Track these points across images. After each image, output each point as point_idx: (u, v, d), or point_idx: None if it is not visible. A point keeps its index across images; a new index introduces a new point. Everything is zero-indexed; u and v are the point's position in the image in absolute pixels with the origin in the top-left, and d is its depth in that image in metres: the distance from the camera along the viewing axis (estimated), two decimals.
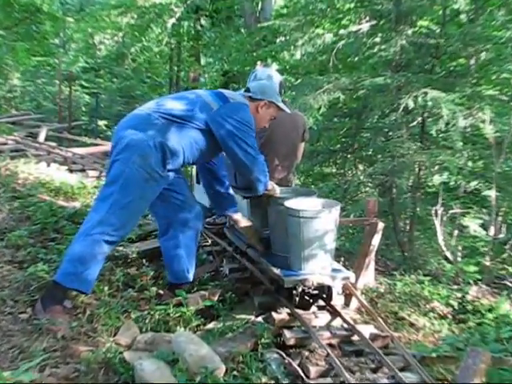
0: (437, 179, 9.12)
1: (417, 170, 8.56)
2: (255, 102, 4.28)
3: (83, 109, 24.32)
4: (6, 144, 13.86)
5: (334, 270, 4.34)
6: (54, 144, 15.83)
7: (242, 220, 4.69)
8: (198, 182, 6.24)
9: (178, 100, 4.09)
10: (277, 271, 4.23)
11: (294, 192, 4.74)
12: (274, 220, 4.53)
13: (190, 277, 4.55)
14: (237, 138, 3.99)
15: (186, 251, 4.43)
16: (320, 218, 4.13)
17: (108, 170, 3.94)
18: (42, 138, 16.01)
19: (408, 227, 9.53)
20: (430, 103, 7.23)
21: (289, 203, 4.30)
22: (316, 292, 4.38)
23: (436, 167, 8.05)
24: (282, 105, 4.35)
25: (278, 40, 15.13)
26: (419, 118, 8.49)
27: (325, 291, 4.43)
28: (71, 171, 11.81)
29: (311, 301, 4.44)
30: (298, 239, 4.18)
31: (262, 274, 4.73)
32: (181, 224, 4.39)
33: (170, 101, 4.09)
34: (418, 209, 8.82)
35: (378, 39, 9.14)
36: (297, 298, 4.27)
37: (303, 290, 4.29)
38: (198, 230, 4.52)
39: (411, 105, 7.28)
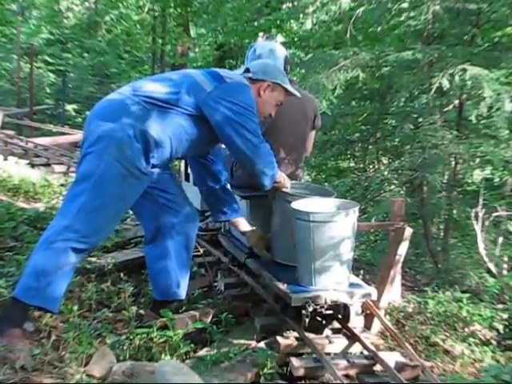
0: (477, 175, 9.12)
1: (453, 163, 8.56)
2: (256, 83, 4.28)
3: (47, 90, 24.36)
4: None
5: (352, 286, 4.34)
6: (11, 133, 15.87)
7: (244, 223, 4.71)
8: (187, 180, 6.25)
9: (161, 81, 4.09)
10: (282, 287, 4.24)
11: (309, 189, 4.74)
12: (279, 220, 4.54)
13: (181, 293, 4.53)
14: (235, 122, 3.98)
15: (176, 262, 4.43)
16: (335, 222, 4.13)
17: (78, 164, 3.95)
18: None
19: (442, 233, 9.53)
20: (469, 82, 7.22)
21: (297, 204, 4.30)
22: (330, 312, 4.37)
23: (476, 160, 8.06)
24: (289, 87, 4.36)
25: (283, 6, 15.16)
26: (456, 101, 8.49)
27: (340, 311, 4.42)
28: (33, 166, 11.84)
29: (324, 322, 4.44)
30: (308, 248, 4.19)
31: (265, 290, 4.74)
32: (170, 229, 4.39)
33: (150, 83, 4.09)
34: (454, 211, 8.82)
35: (405, 5, 9.13)
36: (307, 320, 4.25)
37: (314, 310, 4.28)
38: (190, 235, 4.51)
39: (446, 85, 7.27)
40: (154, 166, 4.00)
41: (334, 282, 4.23)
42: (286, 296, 4.18)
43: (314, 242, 4.16)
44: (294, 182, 4.62)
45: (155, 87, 4.02)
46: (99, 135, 3.82)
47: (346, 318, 4.45)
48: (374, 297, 4.41)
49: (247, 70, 4.34)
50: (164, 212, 4.37)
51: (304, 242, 4.21)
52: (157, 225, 4.40)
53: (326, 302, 4.16)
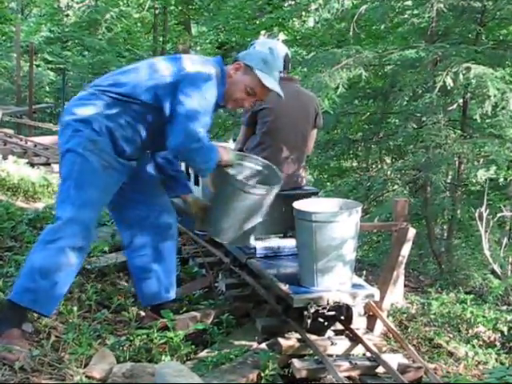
0: (482, 175, 9.11)
1: (457, 163, 8.56)
2: (234, 63, 4.18)
3: (47, 88, 24.38)
4: None
5: (355, 286, 4.34)
6: (11, 132, 15.87)
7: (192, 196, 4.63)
8: (196, 184, 6.23)
9: (122, 74, 4.07)
10: (284, 287, 4.23)
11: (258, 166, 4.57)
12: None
13: (172, 295, 4.50)
14: (185, 115, 3.86)
15: (160, 265, 4.39)
16: (337, 222, 4.13)
17: (60, 165, 3.96)
18: None
19: (446, 234, 9.53)
20: (473, 81, 7.22)
21: (299, 204, 4.29)
22: (332, 313, 4.37)
23: (481, 160, 8.05)
24: (266, 81, 4.10)
25: (286, 4, 15.17)
26: (460, 100, 8.49)
27: (343, 312, 4.42)
28: (33, 165, 11.83)
29: (326, 324, 4.44)
30: (311, 248, 4.18)
31: (266, 290, 4.73)
32: (148, 229, 4.35)
33: (112, 76, 4.08)
34: (458, 211, 8.82)
35: (409, 2, 9.14)
36: (309, 321, 4.25)
37: (317, 311, 4.28)
38: (173, 234, 4.47)
39: (450, 83, 7.27)
40: (130, 159, 4.02)
41: (336, 283, 4.23)
42: (287, 297, 4.18)
43: (317, 243, 4.15)
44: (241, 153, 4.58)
45: (116, 80, 4.00)
46: (71, 132, 3.84)
47: (348, 320, 4.44)
48: (377, 298, 4.41)
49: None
50: (139, 211, 4.32)
51: (306, 243, 4.21)
52: (130, 226, 4.37)
53: (328, 303, 4.16)
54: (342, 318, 4.45)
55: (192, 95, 3.87)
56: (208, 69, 3.99)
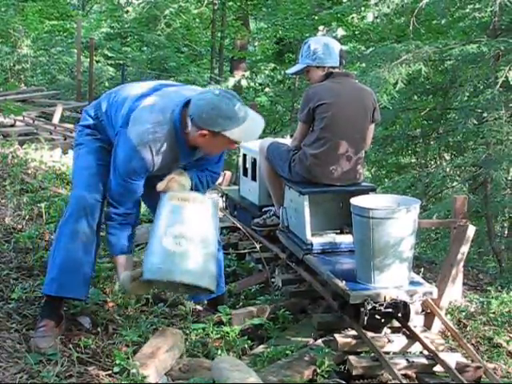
0: None
1: None
2: (197, 127, 3.73)
3: (106, 84, 24.59)
4: (13, 126, 14.13)
5: (413, 283, 4.30)
6: (71, 126, 16.06)
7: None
8: (244, 175, 6.26)
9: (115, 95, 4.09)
10: (341, 284, 4.22)
11: None
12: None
13: (223, 288, 4.50)
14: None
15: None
16: (395, 218, 4.09)
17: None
18: (56, 118, 16.25)
19: (506, 232, 9.40)
20: None
21: (356, 200, 4.27)
22: (389, 310, 4.34)
23: None
24: (231, 134, 3.70)
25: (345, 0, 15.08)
26: None
27: (400, 310, 4.38)
28: None
29: (383, 321, 4.41)
30: (368, 245, 4.16)
31: (323, 287, 4.72)
32: None
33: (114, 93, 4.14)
34: None
35: None
36: (365, 318, 4.24)
37: (373, 308, 4.25)
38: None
39: None
40: None
41: (393, 280, 4.20)
42: (344, 293, 4.16)
43: (374, 239, 4.13)
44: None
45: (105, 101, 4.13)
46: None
47: (406, 317, 4.40)
48: (435, 295, 4.36)
49: (187, 103, 3.78)
50: None
51: (363, 239, 4.19)
52: None
53: (385, 300, 4.13)
54: (400, 315, 4.42)
55: (120, 161, 3.80)
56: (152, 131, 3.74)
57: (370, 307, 4.18)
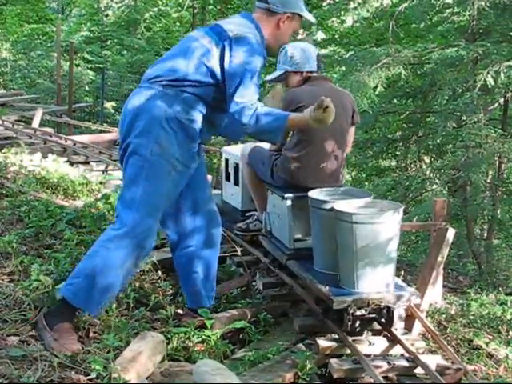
0: None
1: (497, 163, 8.48)
2: (275, 15, 4.18)
3: (86, 88, 24.57)
4: None
5: (396, 288, 4.28)
6: (51, 130, 16.03)
7: None
8: (227, 179, 6.26)
9: (168, 59, 4.06)
10: (324, 289, 4.21)
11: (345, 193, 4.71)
12: (318, 228, 4.51)
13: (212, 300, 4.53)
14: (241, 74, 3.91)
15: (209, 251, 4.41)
16: (378, 223, 4.09)
17: (124, 165, 3.97)
18: (36, 123, 16.20)
19: (485, 234, 9.45)
20: None
21: (339, 205, 4.27)
22: (373, 316, 4.33)
23: None
24: (307, 14, 4.31)
25: (325, 3, 15.14)
26: (501, 99, 8.41)
27: (384, 315, 4.33)
28: (72, 164, 11.93)
29: (365, 324, 4.40)
30: (351, 250, 4.15)
31: (304, 289, 4.72)
32: (194, 235, 4.37)
33: (159, 64, 4.07)
34: (498, 211, 8.74)
35: (449, 0, 9.07)
36: (349, 323, 4.21)
37: (356, 313, 4.24)
38: (218, 221, 4.49)
39: (491, 82, 7.21)
40: (198, 149, 4.08)
41: (377, 285, 4.19)
42: (327, 299, 4.16)
43: (357, 244, 4.12)
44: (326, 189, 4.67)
45: (164, 67, 3.99)
46: (136, 133, 3.86)
47: (389, 322, 4.37)
48: (419, 300, 4.37)
49: (264, 1, 4.21)
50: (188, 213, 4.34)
51: (346, 244, 4.18)
52: (181, 232, 4.38)
53: (369, 306, 4.13)
54: (383, 320, 4.40)
55: (241, 58, 3.89)
56: (250, 29, 4.04)
57: (352, 312, 4.15)
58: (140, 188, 3.83)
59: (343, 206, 4.27)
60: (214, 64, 3.92)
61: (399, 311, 4.42)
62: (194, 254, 4.33)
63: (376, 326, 4.44)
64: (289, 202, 4.89)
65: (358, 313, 4.18)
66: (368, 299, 4.12)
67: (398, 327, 4.51)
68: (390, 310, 4.31)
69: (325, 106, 3.88)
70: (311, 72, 5.11)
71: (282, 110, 5.09)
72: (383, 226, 4.11)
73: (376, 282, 4.19)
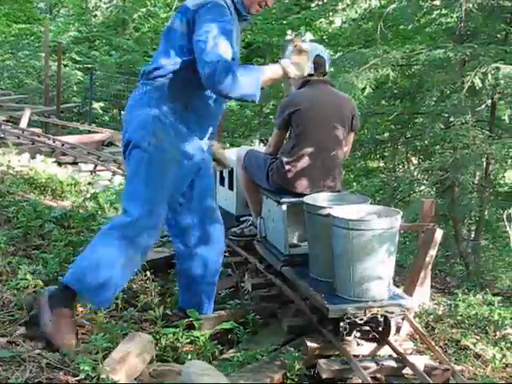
0: (510, 176, 9.06)
1: (484, 164, 8.51)
2: None
3: (75, 88, 24.46)
4: None
5: (393, 297, 4.25)
6: (39, 131, 15.99)
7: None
8: (221, 184, 6.23)
9: (156, 52, 4.11)
10: (319, 297, 4.18)
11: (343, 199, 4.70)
12: (314, 234, 4.50)
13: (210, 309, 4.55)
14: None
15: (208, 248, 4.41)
16: (375, 230, 4.05)
17: (126, 159, 4.06)
18: (24, 123, 16.15)
19: (473, 235, 9.48)
20: (502, 81, 7.18)
21: (335, 211, 4.24)
22: (370, 325, 4.29)
23: (509, 161, 8.00)
24: None
25: (313, 4, 15.16)
26: (488, 101, 8.44)
27: (381, 324, 4.27)
28: (60, 164, 11.91)
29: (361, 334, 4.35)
30: (347, 257, 4.11)
31: (293, 291, 4.72)
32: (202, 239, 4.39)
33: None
34: (485, 212, 8.76)
35: (437, 2, 9.09)
36: (344, 333, 4.14)
37: (353, 323, 4.17)
38: (218, 217, 4.54)
39: (478, 84, 7.23)
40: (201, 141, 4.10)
41: (374, 294, 4.15)
42: (323, 308, 4.13)
43: (353, 251, 4.08)
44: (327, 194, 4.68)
45: (152, 62, 4.06)
46: (134, 128, 3.93)
47: (386, 331, 4.29)
48: (416, 308, 4.36)
49: None
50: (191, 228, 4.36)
51: (342, 251, 4.13)
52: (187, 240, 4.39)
53: (365, 315, 4.09)
54: (380, 329, 4.30)
55: (206, 20, 3.80)
56: None
57: (349, 321, 4.10)
58: (142, 180, 3.87)
59: (339, 211, 4.25)
60: (189, 41, 3.88)
61: (397, 320, 4.36)
62: (203, 262, 4.36)
63: (364, 326, 4.44)
64: (284, 207, 4.86)
65: (354, 321, 4.14)
66: (365, 308, 4.09)
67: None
68: (387, 319, 4.25)
69: (300, 48, 3.94)
70: (310, 75, 5.02)
71: (278, 114, 5.10)
72: (380, 232, 4.07)
73: (373, 291, 4.15)
